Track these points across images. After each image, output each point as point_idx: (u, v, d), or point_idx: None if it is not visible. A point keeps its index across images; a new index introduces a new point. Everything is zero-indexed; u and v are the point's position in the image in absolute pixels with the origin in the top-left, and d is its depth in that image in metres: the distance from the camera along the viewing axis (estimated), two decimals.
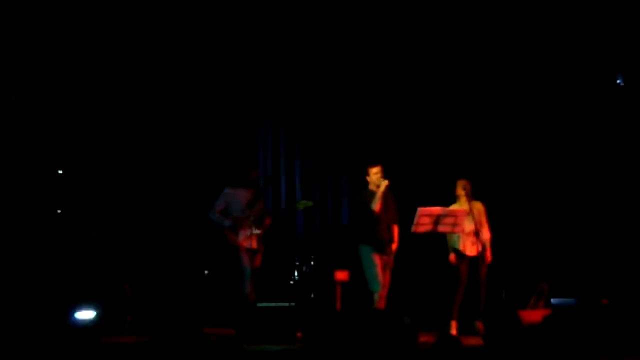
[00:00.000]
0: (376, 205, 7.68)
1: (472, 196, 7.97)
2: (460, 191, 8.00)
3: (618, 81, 8.30)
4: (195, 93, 9.65)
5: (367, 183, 7.87)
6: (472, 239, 7.93)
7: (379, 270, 7.64)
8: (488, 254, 8.02)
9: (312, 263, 8.85)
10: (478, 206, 8.06)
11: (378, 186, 7.71)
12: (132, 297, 8.60)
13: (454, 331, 7.79)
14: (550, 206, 9.24)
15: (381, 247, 7.71)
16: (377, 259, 7.66)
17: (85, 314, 7.12)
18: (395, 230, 7.83)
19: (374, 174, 7.78)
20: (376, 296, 7.63)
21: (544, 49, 9.17)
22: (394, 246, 7.77)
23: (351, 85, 9.74)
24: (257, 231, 7.91)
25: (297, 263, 8.92)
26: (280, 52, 9.67)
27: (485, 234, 8.02)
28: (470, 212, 7.82)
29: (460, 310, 7.93)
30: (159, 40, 9.32)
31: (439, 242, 8.10)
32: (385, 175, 7.73)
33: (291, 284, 7.78)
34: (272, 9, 9.44)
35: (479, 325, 7.84)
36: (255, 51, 9.63)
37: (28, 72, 8.78)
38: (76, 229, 8.73)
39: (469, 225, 7.84)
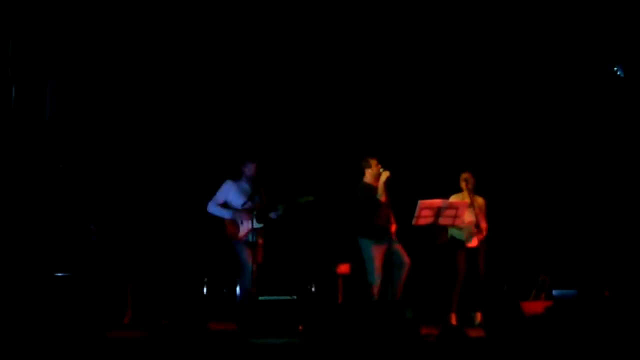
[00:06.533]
0: (382, 196, 7.65)
1: (474, 190, 8.01)
2: (462, 184, 8.04)
3: (618, 73, 8.27)
4: (190, 85, 9.62)
5: (362, 175, 7.84)
6: (472, 230, 7.95)
7: (377, 263, 7.62)
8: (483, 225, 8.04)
9: (313, 256, 8.88)
10: (479, 201, 8.10)
11: (377, 177, 7.69)
12: (132, 292, 8.61)
13: (454, 323, 7.80)
14: (551, 198, 9.25)
15: (382, 235, 7.67)
16: (377, 252, 7.65)
17: None
18: (392, 217, 7.79)
19: (375, 165, 7.77)
20: (374, 288, 7.61)
21: (544, 41, 9.14)
22: (393, 227, 7.72)
23: (349, 78, 9.69)
24: (259, 225, 7.90)
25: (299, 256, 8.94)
26: (275, 48, 9.60)
27: (482, 224, 8.02)
28: (471, 205, 7.84)
29: (459, 302, 7.94)
30: (146, 38, 9.29)
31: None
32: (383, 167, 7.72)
33: (293, 277, 7.77)
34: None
35: (478, 316, 7.85)
36: (252, 46, 9.58)
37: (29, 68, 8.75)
38: (76, 223, 8.73)
39: (469, 217, 7.86)
